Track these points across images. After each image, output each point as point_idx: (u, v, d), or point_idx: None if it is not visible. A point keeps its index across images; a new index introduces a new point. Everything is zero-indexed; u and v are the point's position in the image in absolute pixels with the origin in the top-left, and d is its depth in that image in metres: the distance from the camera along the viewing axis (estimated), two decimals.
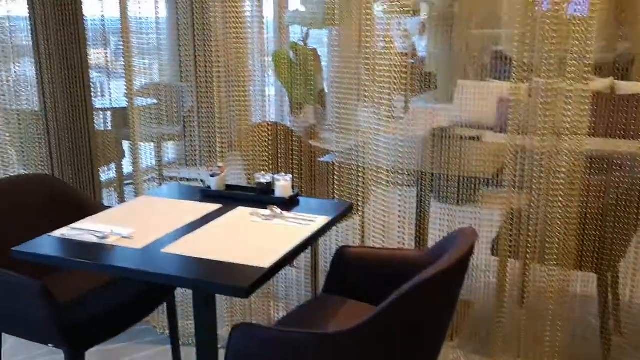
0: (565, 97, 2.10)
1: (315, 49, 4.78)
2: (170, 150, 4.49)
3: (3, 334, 2.12)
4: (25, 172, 3.52)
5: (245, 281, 1.53)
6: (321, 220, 1.93)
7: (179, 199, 2.22)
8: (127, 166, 4.06)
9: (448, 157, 2.43)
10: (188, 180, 4.18)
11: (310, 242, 1.86)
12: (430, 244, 2.46)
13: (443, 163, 2.41)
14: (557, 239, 2.22)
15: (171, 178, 4.19)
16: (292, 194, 2.14)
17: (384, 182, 2.38)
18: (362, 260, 2.05)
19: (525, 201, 2.27)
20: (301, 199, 2.19)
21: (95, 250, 1.75)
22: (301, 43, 5.04)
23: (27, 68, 3.35)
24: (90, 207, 2.27)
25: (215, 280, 1.58)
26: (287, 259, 1.70)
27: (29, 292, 1.86)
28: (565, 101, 2.11)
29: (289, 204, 2.10)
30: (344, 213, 2.08)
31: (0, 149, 3.47)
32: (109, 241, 1.78)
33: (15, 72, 3.35)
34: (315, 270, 2.78)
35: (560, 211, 2.18)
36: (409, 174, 2.37)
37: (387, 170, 2.34)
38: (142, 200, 2.24)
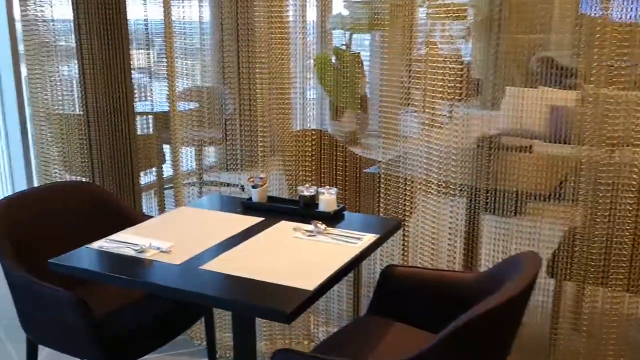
0: (636, 109, 1.94)
1: (358, 53, 4.67)
2: (210, 154, 4.45)
3: (39, 346, 2.08)
4: (67, 175, 3.52)
5: (288, 305, 1.43)
6: (368, 239, 1.82)
7: (219, 210, 2.14)
8: (166, 169, 4.03)
9: (504, 169, 2.29)
10: (228, 185, 4.13)
11: (357, 263, 1.75)
12: (483, 263, 2.32)
13: (498, 176, 2.27)
14: (623, 260, 2.05)
15: (211, 182, 4.14)
16: (336, 208, 2.04)
17: (433, 194, 2.25)
18: (410, 280, 1.93)
19: (587, 218, 2.11)
20: (346, 213, 2.08)
21: (132, 265, 1.68)
22: (344, 47, 4.93)
23: (71, 71, 3.34)
24: (130, 216, 2.22)
25: (255, 302, 1.48)
26: (333, 281, 1.59)
27: (64, 304, 1.80)
28: (636, 114, 1.94)
29: (333, 219, 1.99)
30: (392, 231, 1.96)
31: (43, 152, 3.47)
32: (147, 255, 1.71)
33: (59, 75, 3.34)
34: (358, 286, 2.67)
35: (629, 230, 2.01)
36: (461, 189, 2.23)
37: (437, 183, 2.21)
38: (181, 211, 2.17)
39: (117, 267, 1.70)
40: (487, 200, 2.27)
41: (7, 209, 2.06)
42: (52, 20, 3.24)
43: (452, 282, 1.84)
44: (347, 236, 1.84)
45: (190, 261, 1.68)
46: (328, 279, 1.57)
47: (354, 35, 4.97)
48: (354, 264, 1.71)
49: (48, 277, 1.81)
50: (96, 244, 1.78)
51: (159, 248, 1.74)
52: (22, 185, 4.20)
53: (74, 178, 3.53)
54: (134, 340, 1.94)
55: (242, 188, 4.31)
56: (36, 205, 2.13)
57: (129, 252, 1.73)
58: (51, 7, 3.22)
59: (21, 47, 3.78)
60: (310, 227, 1.89)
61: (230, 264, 1.66)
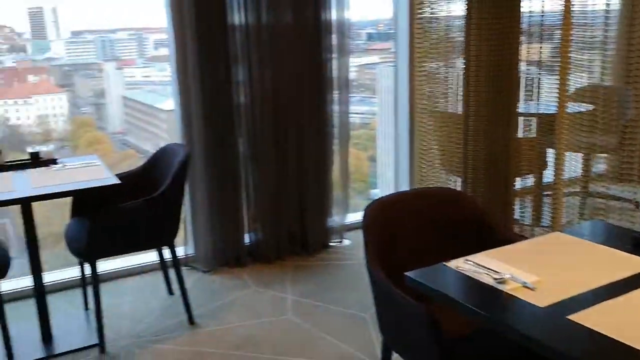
0: None
1: None
2: (599, 162, 3.91)
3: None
4: (442, 172, 3.53)
5: None
6: None
7: (602, 243, 1.77)
8: (545, 175, 3.69)
9: None
10: (619, 199, 3.58)
11: None
12: None
13: None
14: None
15: (597, 194, 3.63)
16: None
17: None
18: None
19: None
20: None
21: (489, 297, 1.49)
22: None
23: (455, 68, 3.31)
24: (497, 234, 2.03)
25: None
26: None
27: (418, 319, 1.73)
28: None
29: None
30: None
31: (422, 145, 3.55)
32: (507, 288, 1.49)
33: (445, 71, 3.35)
34: None
35: None
36: None
37: None
38: (556, 238, 1.86)
39: (473, 295, 1.53)
40: None
41: (382, 208, 2.10)
42: (445, 18, 3.24)
43: None
44: None
45: (556, 306, 1.40)
46: None
47: None
48: None
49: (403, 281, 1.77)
50: (454, 263, 1.65)
51: (521, 281, 1.50)
52: (404, 171, 4.40)
53: (448, 177, 3.53)
54: None
55: (637, 204, 3.67)
56: (404, 210, 2.13)
57: (487, 279, 1.54)
58: (446, 5, 3.24)
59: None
60: None
61: (608, 320, 1.32)
